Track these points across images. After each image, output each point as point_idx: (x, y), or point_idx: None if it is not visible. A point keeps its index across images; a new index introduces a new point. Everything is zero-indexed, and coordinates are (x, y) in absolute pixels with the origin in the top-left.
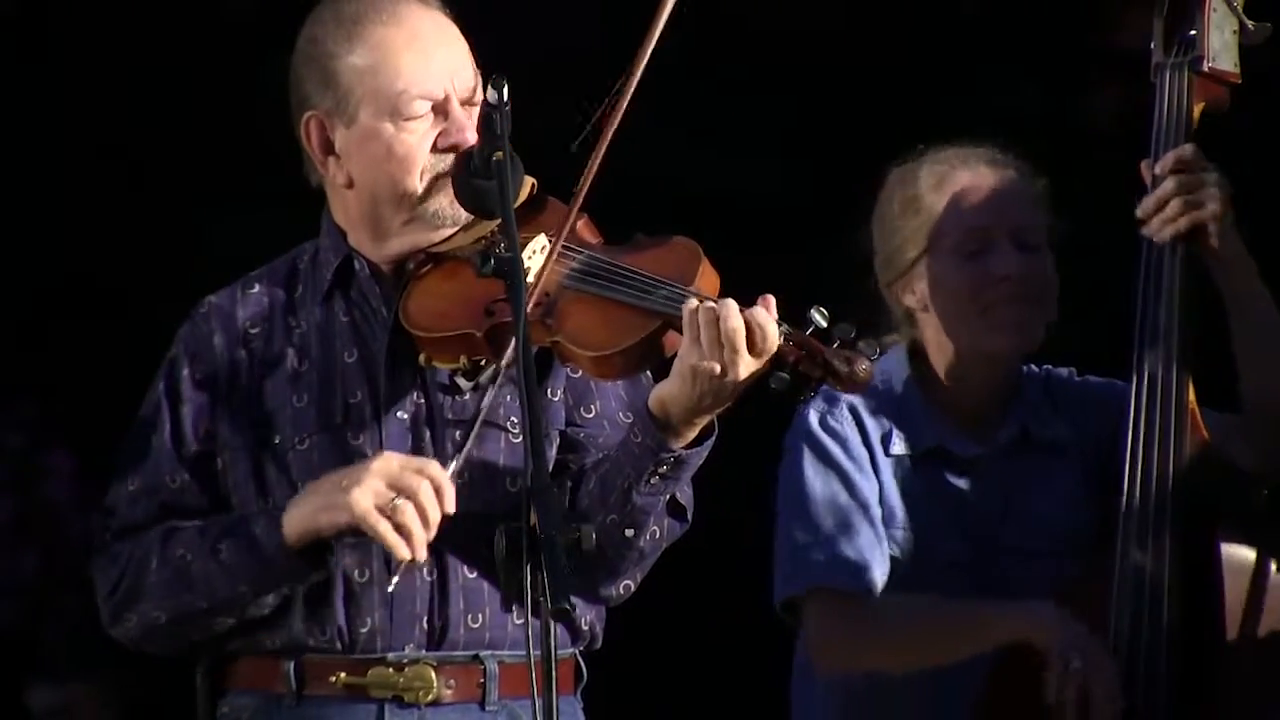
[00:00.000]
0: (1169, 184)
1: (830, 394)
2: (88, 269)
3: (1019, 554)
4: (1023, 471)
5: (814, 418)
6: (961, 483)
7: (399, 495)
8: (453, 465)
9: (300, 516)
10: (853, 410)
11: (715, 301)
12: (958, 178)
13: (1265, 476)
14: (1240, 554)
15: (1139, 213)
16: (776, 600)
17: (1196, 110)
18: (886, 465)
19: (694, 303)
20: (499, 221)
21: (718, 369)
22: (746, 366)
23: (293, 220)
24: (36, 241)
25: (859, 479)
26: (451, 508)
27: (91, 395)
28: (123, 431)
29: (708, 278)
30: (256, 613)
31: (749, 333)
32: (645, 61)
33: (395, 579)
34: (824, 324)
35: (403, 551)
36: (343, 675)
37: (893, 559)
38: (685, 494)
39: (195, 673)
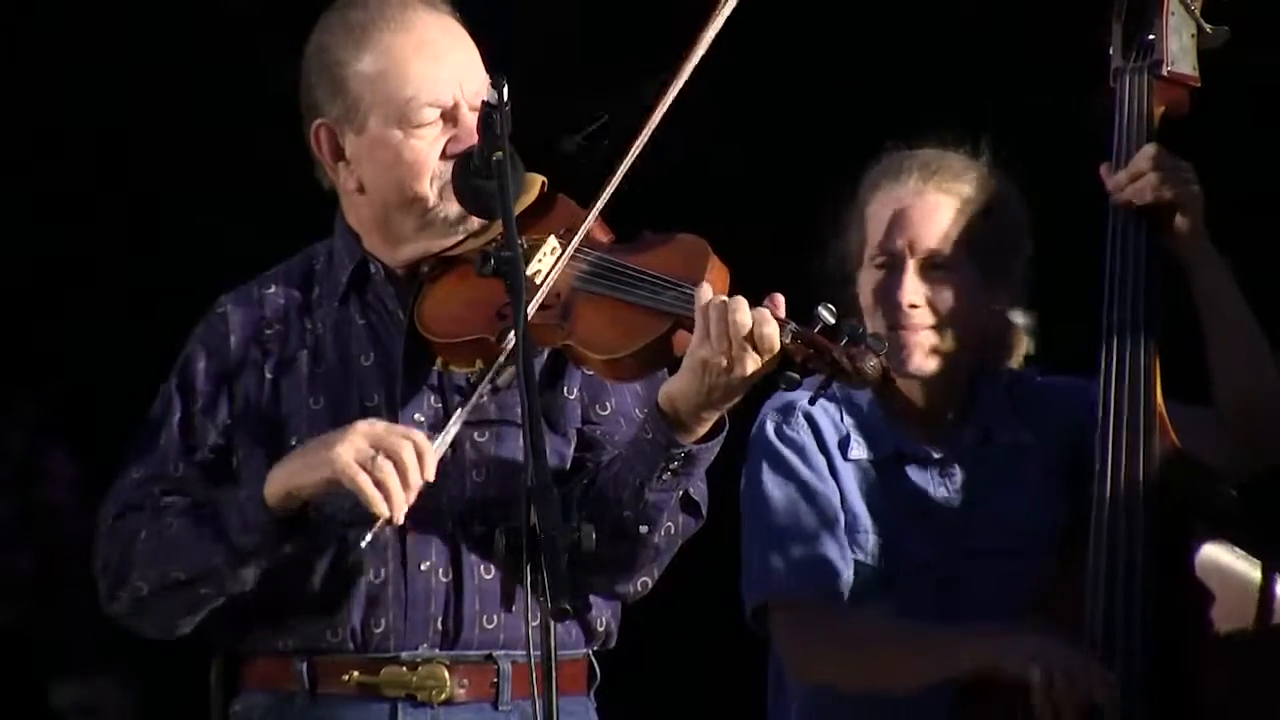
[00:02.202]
0: (1144, 162)
1: (785, 403)
2: (88, 269)
3: (985, 555)
4: (986, 473)
5: (770, 428)
6: (925, 486)
7: (380, 454)
8: (445, 436)
9: (282, 476)
10: (808, 417)
11: (725, 298)
12: (884, 189)
13: (1233, 472)
14: (1213, 553)
15: (1110, 185)
16: (746, 611)
17: (1157, 114)
18: (846, 470)
19: (705, 298)
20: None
21: (725, 363)
22: (754, 362)
23: (294, 220)
24: (37, 241)
25: (818, 486)
26: (432, 475)
27: (91, 395)
28: (121, 432)
29: (717, 274)
30: (236, 588)
31: (752, 330)
32: (687, 73)
33: (369, 535)
34: (831, 321)
35: (380, 507)
36: (355, 674)
37: (859, 563)
38: (699, 490)
39: (207, 674)
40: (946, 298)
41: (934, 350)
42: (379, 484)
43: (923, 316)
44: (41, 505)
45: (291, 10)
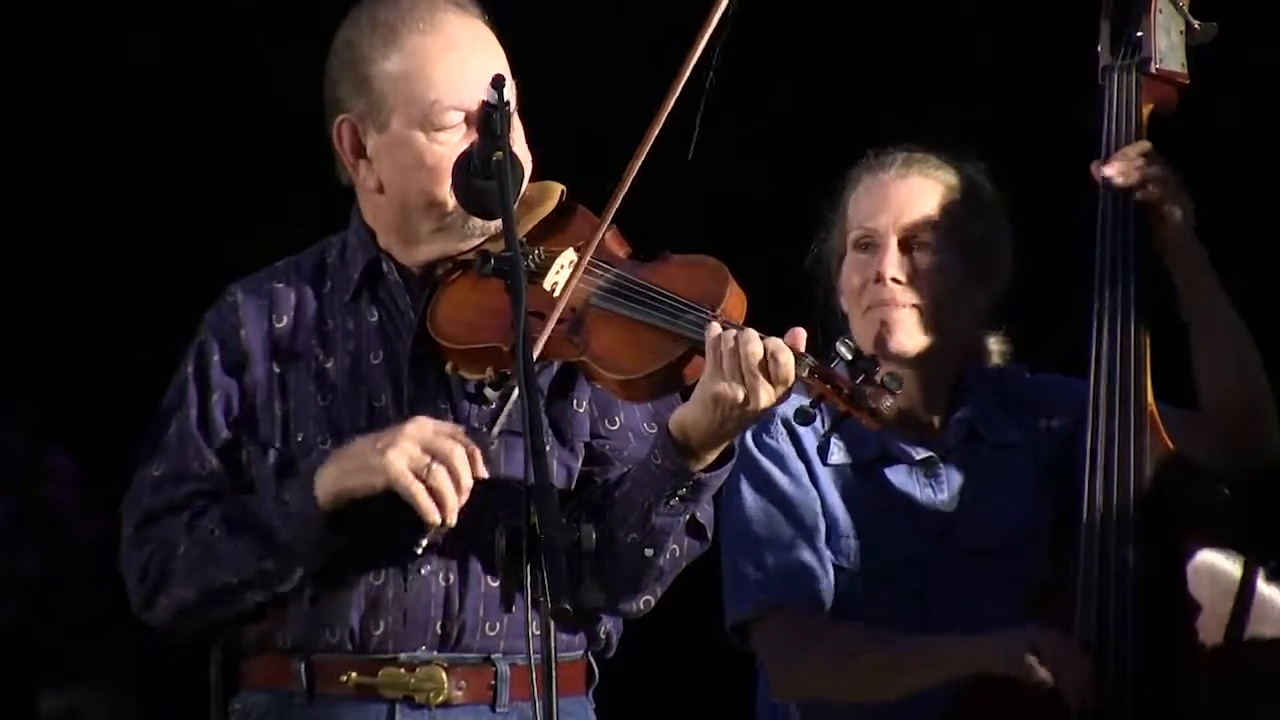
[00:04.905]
0: (1134, 153)
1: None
2: (88, 269)
3: (972, 555)
4: (975, 471)
5: (749, 436)
6: (911, 486)
7: (433, 459)
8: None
9: (331, 478)
10: (787, 424)
11: (737, 329)
12: (863, 180)
13: (1223, 473)
14: (1205, 556)
15: (1102, 170)
16: (726, 625)
17: (1146, 112)
18: (826, 475)
19: (716, 330)
20: (529, 230)
21: (740, 396)
22: (767, 395)
23: (293, 220)
24: (36, 241)
25: (797, 495)
26: (484, 472)
27: (91, 395)
28: (122, 431)
29: (735, 299)
30: (285, 588)
31: (765, 363)
32: (685, 78)
33: (424, 541)
34: (849, 357)
35: (434, 516)
36: (354, 675)
37: (844, 568)
38: (705, 513)
39: (206, 674)
40: (929, 278)
41: (916, 330)
42: (434, 491)
43: (905, 294)
44: (43, 504)
45: (291, 10)
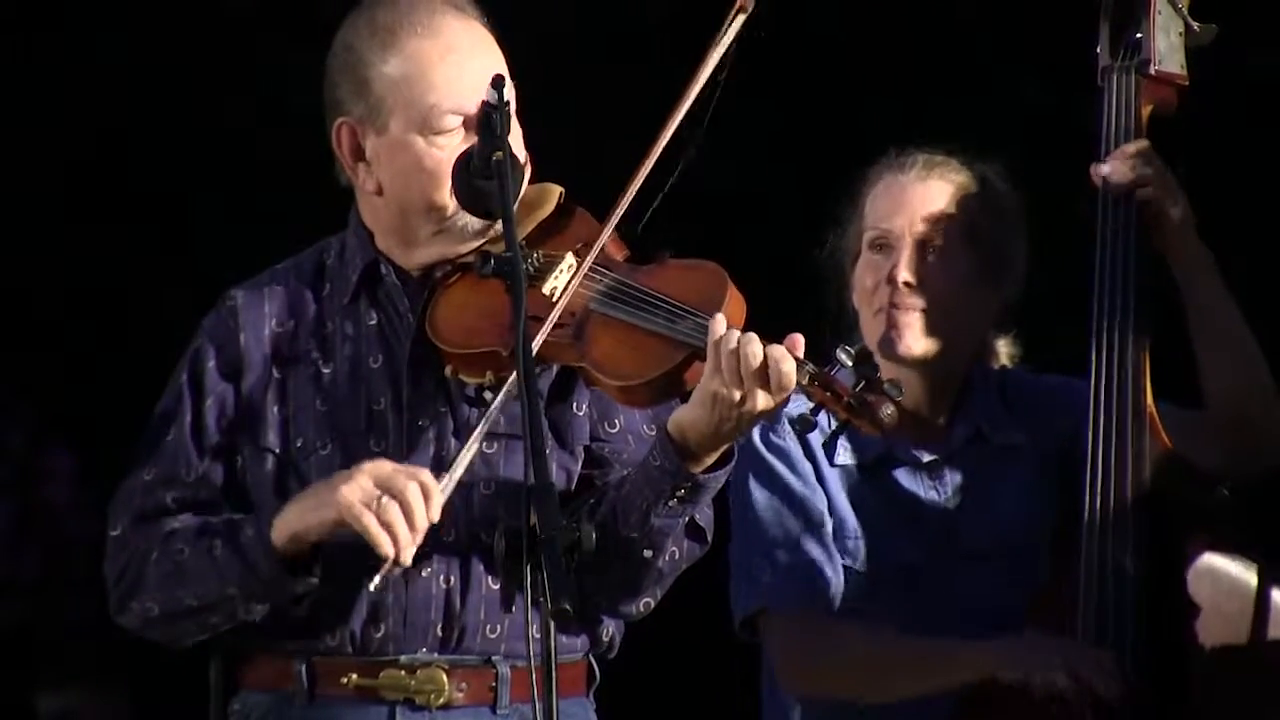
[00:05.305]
0: (1130, 149)
1: None
2: (87, 268)
3: (976, 557)
4: (979, 474)
5: (756, 435)
6: (916, 487)
7: (386, 495)
8: (450, 478)
9: (290, 517)
10: (793, 424)
11: (739, 333)
12: (886, 178)
13: (1226, 475)
14: (1206, 558)
15: (1100, 169)
16: (735, 621)
17: (1145, 113)
18: (833, 476)
19: (718, 331)
20: (528, 233)
21: (737, 397)
22: (765, 399)
23: (294, 220)
24: (36, 241)
25: (805, 493)
26: (438, 516)
27: (91, 395)
28: (122, 431)
29: (734, 305)
30: (247, 618)
31: (765, 368)
32: (696, 90)
33: (377, 579)
34: (849, 363)
35: (386, 548)
36: (354, 676)
37: (848, 568)
38: (705, 515)
39: (205, 674)
40: (941, 283)
41: (924, 334)
42: (385, 525)
43: (916, 298)
44: (43, 505)
45: (291, 10)
